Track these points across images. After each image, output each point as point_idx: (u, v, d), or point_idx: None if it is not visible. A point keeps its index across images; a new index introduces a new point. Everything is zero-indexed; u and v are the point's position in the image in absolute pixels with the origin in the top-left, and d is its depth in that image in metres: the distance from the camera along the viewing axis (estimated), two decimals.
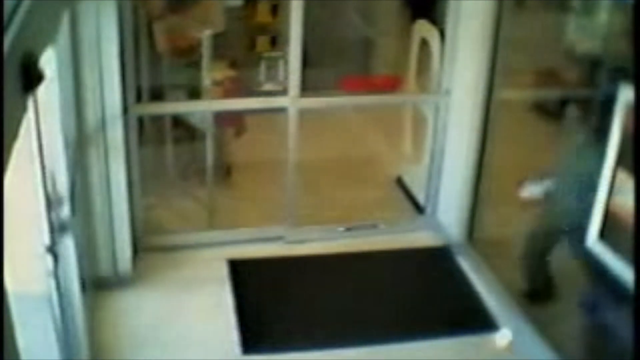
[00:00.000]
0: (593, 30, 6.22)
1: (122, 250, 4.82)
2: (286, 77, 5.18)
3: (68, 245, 3.45)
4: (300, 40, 4.90)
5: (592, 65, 6.27)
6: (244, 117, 6.01)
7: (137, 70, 4.95)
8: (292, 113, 5.11)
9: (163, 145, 5.88)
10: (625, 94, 3.58)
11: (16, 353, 2.07)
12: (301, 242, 5.41)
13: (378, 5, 7.71)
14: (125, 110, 4.59)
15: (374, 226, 5.61)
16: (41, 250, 2.92)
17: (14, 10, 2.01)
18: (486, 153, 5.14)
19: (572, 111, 5.11)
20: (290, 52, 4.99)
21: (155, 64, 5.68)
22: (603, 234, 3.78)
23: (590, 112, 4.50)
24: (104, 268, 4.79)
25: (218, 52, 5.60)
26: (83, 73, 4.29)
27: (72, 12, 4.00)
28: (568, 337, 4.31)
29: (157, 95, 5.53)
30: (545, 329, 4.32)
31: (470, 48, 5.00)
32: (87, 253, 4.41)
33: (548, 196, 4.52)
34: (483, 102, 5.00)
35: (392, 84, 6.56)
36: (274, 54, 6.87)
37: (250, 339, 4.43)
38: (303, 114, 5.13)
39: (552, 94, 6.52)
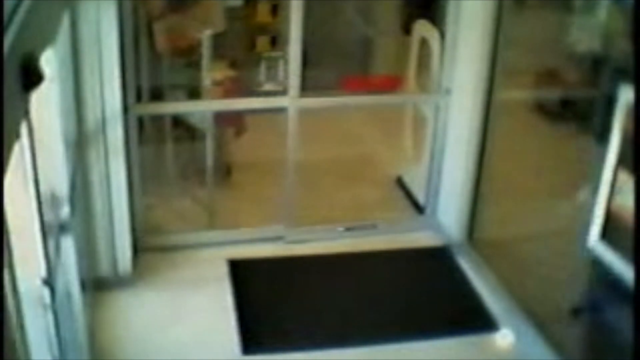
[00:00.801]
0: (593, 30, 6.22)
1: (122, 250, 4.82)
2: (286, 77, 5.18)
3: (68, 245, 3.45)
4: (300, 40, 4.90)
5: (593, 65, 6.27)
6: (244, 117, 6.00)
7: (137, 70, 4.95)
8: (292, 113, 5.11)
9: (163, 145, 5.88)
10: (625, 94, 3.58)
11: (16, 353, 2.07)
12: (301, 242, 5.41)
13: (378, 5, 7.71)
14: (125, 110, 4.58)
15: (374, 226, 5.61)
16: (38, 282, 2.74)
17: (14, 11, 2.01)
18: (486, 153, 5.14)
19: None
20: (290, 52, 4.99)
21: (155, 64, 5.67)
22: (604, 234, 3.78)
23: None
24: (104, 268, 4.78)
25: (218, 52, 5.60)
26: (83, 73, 4.29)
27: (72, 12, 4.00)
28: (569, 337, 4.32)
29: (157, 95, 5.53)
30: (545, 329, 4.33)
31: (470, 48, 5.00)
32: (87, 253, 4.41)
33: None
34: (483, 102, 5.00)
35: (392, 84, 6.55)
36: (274, 54, 6.87)
37: (250, 339, 4.43)
38: (303, 114, 5.13)
39: (552, 94, 6.52)
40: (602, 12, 6.28)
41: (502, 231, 5.27)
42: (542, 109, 6.66)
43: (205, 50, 5.37)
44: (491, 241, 5.28)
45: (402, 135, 6.24)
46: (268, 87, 6.67)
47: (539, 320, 4.42)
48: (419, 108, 5.85)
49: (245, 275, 5.03)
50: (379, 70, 7.57)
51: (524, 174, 5.35)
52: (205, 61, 5.39)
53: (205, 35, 5.34)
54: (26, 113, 2.43)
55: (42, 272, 2.77)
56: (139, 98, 4.98)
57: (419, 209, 5.84)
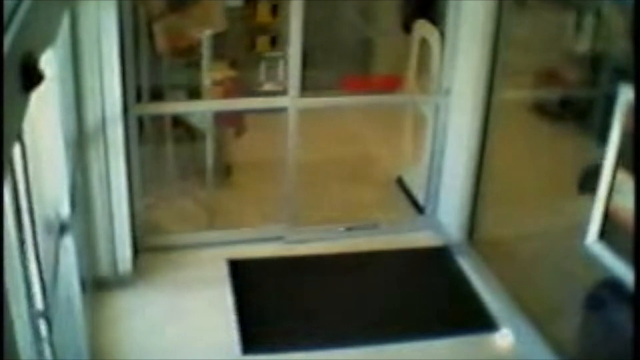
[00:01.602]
0: (594, 30, 6.22)
1: (122, 250, 4.82)
2: (286, 77, 5.18)
3: (68, 245, 3.45)
4: (300, 40, 4.90)
5: (593, 65, 6.27)
6: (244, 117, 6.00)
7: (137, 70, 4.95)
8: (292, 113, 5.11)
9: (163, 145, 5.88)
10: (625, 94, 3.59)
11: (16, 353, 2.07)
12: (301, 242, 5.41)
13: (378, 5, 7.71)
14: (125, 110, 4.58)
15: (374, 226, 5.62)
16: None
17: (14, 11, 2.01)
18: (486, 153, 5.14)
19: None
20: (290, 52, 4.99)
21: (155, 64, 5.68)
22: (603, 234, 3.78)
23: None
24: (104, 268, 4.79)
25: (218, 52, 5.60)
26: (83, 73, 4.29)
27: (72, 12, 4.00)
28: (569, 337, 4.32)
29: (157, 95, 5.53)
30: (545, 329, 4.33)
31: (470, 48, 5.00)
32: (87, 253, 4.41)
33: None
34: (483, 102, 5.00)
35: (392, 84, 6.56)
36: (274, 54, 6.88)
37: (250, 339, 4.43)
38: (303, 114, 5.13)
39: (552, 94, 6.53)
40: (602, 12, 6.29)
41: (503, 231, 5.26)
42: (542, 109, 6.66)
43: (205, 50, 5.37)
44: (491, 241, 5.28)
45: (402, 135, 6.24)
46: (268, 87, 6.68)
47: (539, 320, 4.42)
48: (419, 108, 5.85)
49: (245, 275, 5.03)
50: (379, 70, 7.57)
51: (523, 174, 5.35)
52: (205, 61, 5.39)
53: (205, 35, 5.34)
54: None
55: (39, 304, 2.65)
56: (139, 98, 4.98)
57: (419, 209, 5.84)
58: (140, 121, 5.17)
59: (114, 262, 4.81)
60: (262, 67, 6.85)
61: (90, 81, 4.33)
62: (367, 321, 4.66)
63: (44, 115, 3.05)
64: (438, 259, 5.36)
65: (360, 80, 7.26)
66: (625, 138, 3.60)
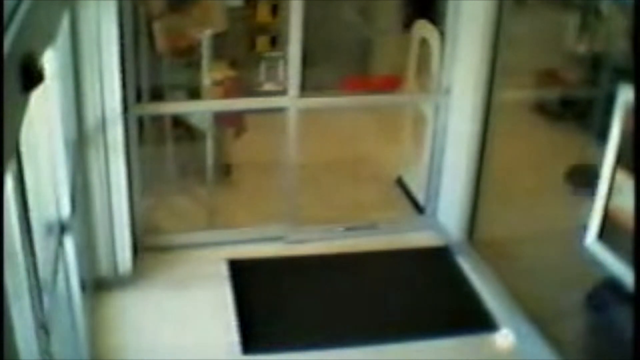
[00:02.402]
0: (594, 30, 6.23)
1: (122, 250, 4.82)
2: (286, 77, 5.17)
3: (68, 246, 3.45)
4: (300, 40, 4.90)
5: (593, 65, 6.28)
6: (244, 117, 6.00)
7: (137, 70, 4.95)
8: (292, 113, 5.11)
9: (163, 145, 5.88)
10: (625, 94, 3.58)
11: (16, 353, 2.07)
12: (301, 242, 5.41)
13: (378, 6, 7.71)
14: (125, 110, 4.58)
15: (374, 226, 5.61)
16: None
17: (14, 11, 2.01)
18: (486, 153, 5.14)
19: None
20: (290, 52, 4.99)
21: (155, 64, 5.68)
22: (602, 234, 3.78)
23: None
24: (104, 268, 4.79)
25: (218, 52, 5.61)
26: (83, 73, 4.29)
27: (72, 12, 4.00)
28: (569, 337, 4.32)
29: (157, 95, 5.53)
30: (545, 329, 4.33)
31: (470, 48, 5.00)
32: (87, 253, 4.41)
33: None
34: (483, 102, 5.00)
35: (392, 84, 6.56)
36: (274, 54, 6.88)
37: (250, 339, 4.43)
38: (303, 114, 5.13)
39: (552, 94, 6.53)
40: (603, 12, 6.29)
41: (502, 231, 5.27)
42: (542, 109, 6.67)
43: (205, 50, 5.37)
44: (491, 241, 5.28)
45: (402, 135, 6.25)
46: (268, 87, 6.68)
47: (539, 320, 4.42)
48: (419, 108, 5.85)
49: (245, 275, 5.03)
50: (379, 70, 7.57)
51: (523, 174, 5.36)
52: (205, 61, 5.40)
53: (205, 35, 5.35)
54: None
55: (38, 320, 2.57)
56: (139, 98, 4.98)
57: (419, 209, 5.84)
58: (140, 121, 5.17)
59: (114, 262, 4.81)
60: (262, 67, 6.85)
61: (90, 81, 4.33)
62: (367, 321, 4.66)
63: (44, 115, 3.05)
64: (438, 259, 5.36)
65: (360, 80, 7.26)
66: (625, 138, 3.60)
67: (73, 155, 3.95)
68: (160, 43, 5.71)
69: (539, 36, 6.05)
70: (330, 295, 4.91)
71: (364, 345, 4.42)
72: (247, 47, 7.15)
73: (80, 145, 4.36)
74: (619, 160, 3.64)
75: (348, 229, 5.55)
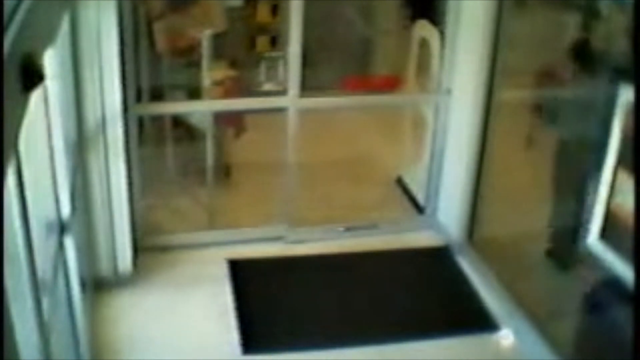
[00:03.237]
0: (594, 30, 6.22)
1: (122, 250, 4.82)
2: (286, 77, 5.18)
3: (68, 246, 3.45)
4: (300, 40, 4.90)
5: (593, 65, 6.26)
6: (244, 117, 6.01)
7: (137, 70, 4.96)
8: (292, 113, 5.11)
9: (163, 145, 5.88)
10: (625, 94, 3.59)
11: (16, 353, 2.07)
12: (301, 242, 5.41)
13: (378, 5, 7.71)
14: (125, 110, 4.58)
15: (374, 226, 5.61)
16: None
17: (14, 10, 2.01)
18: (486, 153, 5.14)
19: None
20: (290, 52, 4.99)
21: (155, 64, 5.68)
22: (604, 234, 3.79)
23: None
24: (104, 268, 4.79)
25: (218, 52, 5.61)
26: (83, 73, 4.29)
27: (72, 12, 4.00)
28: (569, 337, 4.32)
29: (157, 95, 5.53)
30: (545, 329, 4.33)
31: (470, 48, 5.00)
32: (87, 253, 4.41)
33: None
34: (483, 102, 5.01)
35: (392, 84, 6.57)
36: (274, 54, 6.88)
37: (250, 339, 4.43)
38: (303, 114, 5.13)
39: (552, 94, 6.52)
40: (603, 12, 6.29)
41: (502, 231, 5.26)
42: (542, 109, 6.65)
43: (205, 50, 5.37)
44: (491, 241, 5.28)
45: (402, 135, 6.25)
46: (268, 87, 6.68)
47: (539, 320, 4.42)
48: (419, 108, 5.85)
49: (245, 275, 5.03)
50: (379, 70, 7.58)
51: (524, 174, 5.35)
52: (205, 61, 5.39)
53: (205, 35, 5.35)
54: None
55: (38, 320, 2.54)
56: (139, 98, 4.98)
57: (419, 209, 5.84)
58: (140, 121, 5.17)
59: (114, 262, 4.81)
60: (262, 67, 6.86)
61: (90, 81, 4.33)
62: (367, 321, 4.66)
63: (44, 115, 3.05)
64: (438, 259, 5.36)
65: (360, 80, 7.26)
66: (625, 138, 3.61)
67: (73, 155, 3.95)
68: (160, 43, 5.72)
69: (539, 36, 6.04)
70: (331, 295, 4.91)
71: (364, 345, 4.42)
72: (247, 47, 7.15)
73: (80, 145, 4.36)
74: (620, 160, 3.64)
75: (348, 229, 5.55)
